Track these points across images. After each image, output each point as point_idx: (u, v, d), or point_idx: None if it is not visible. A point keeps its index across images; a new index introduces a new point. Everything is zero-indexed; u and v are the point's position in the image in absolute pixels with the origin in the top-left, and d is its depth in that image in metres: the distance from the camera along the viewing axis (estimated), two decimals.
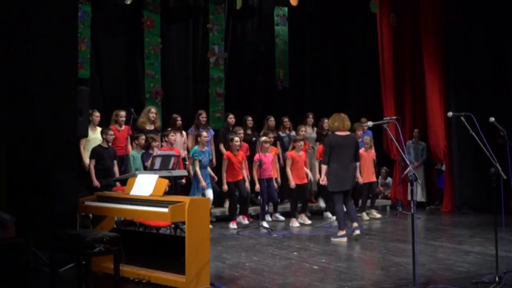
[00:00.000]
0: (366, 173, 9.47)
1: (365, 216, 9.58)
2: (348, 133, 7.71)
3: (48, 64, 5.81)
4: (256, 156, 8.84)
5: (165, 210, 4.85)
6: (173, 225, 6.90)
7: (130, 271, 5.21)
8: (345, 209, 7.68)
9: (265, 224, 8.46)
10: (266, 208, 9.02)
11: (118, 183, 7.27)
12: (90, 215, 6.11)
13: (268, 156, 8.97)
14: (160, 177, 5.50)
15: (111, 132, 8.07)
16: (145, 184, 5.41)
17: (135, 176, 5.77)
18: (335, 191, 7.61)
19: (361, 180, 8.99)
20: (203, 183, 8.38)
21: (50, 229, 5.13)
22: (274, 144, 9.53)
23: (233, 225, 8.56)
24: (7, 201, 5.37)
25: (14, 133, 5.62)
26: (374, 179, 9.75)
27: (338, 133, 7.64)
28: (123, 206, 5.31)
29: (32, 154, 5.72)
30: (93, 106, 8.58)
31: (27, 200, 5.55)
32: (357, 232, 7.50)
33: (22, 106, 5.71)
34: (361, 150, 9.38)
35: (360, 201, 9.66)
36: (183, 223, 5.24)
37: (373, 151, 9.81)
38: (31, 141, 5.72)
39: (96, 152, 7.94)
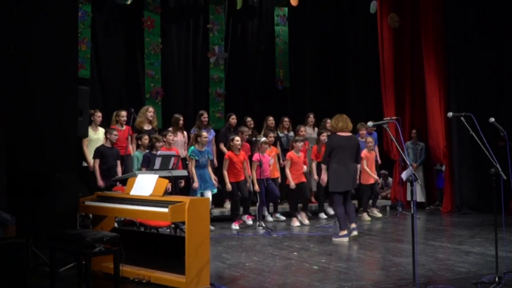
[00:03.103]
0: (368, 174, 9.52)
1: (366, 216, 9.56)
2: (350, 134, 7.73)
3: (48, 64, 5.81)
4: (255, 156, 8.85)
5: (165, 210, 4.84)
6: (173, 225, 6.91)
7: (130, 271, 5.21)
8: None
9: (263, 224, 8.47)
10: (265, 208, 9.02)
11: (118, 183, 7.26)
12: (90, 215, 6.11)
13: (266, 157, 8.97)
14: (160, 177, 5.50)
15: (115, 133, 8.07)
16: (145, 184, 5.40)
17: (135, 176, 5.77)
18: (336, 192, 7.57)
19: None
20: (195, 184, 8.36)
21: (50, 229, 5.13)
22: (274, 144, 9.52)
23: (235, 226, 8.52)
24: (7, 201, 5.36)
25: (14, 133, 5.62)
26: (376, 179, 9.75)
27: (340, 134, 7.64)
28: (123, 206, 5.30)
29: (32, 154, 5.72)
30: (93, 106, 8.58)
31: (27, 200, 5.55)
32: (355, 233, 7.50)
33: (22, 106, 5.71)
34: (364, 151, 9.44)
35: (362, 202, 9.68)
36: (183, 223, 5.24)
37: (374, 151, 9.89)
38: (31, 141, 5.72)
39: (100, 152, 7.94)
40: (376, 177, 9.74)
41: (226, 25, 11.02)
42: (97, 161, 7.91)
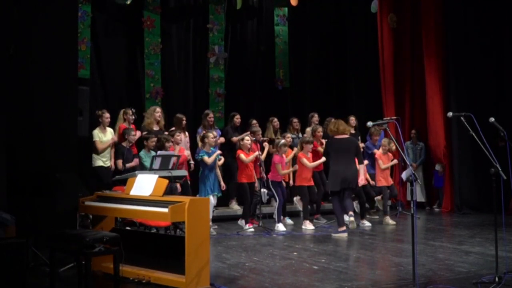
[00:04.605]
0: (384, 177, 9.38)
1: (389, 220, 9.07)
2: (348, 136, 7.86)
3: (48, 64, 5.81)
4: (274, 158, 8.72)
5: (165, 210, 4.84)
6: (172, 226, 6.90)
7: (130, 271, 5.21)
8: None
9: (281, 227, 8.37)
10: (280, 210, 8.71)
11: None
12: (90, 215, 6.11)
13: (283, 159, 8.81)
14: (160, 177, 5.49)
15: (133, 133, 8.21)
16: (145, 184, 5.40)
17: (135, 176, 5.77)
18: (333, 190, 7.91)
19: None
20: (214, 156, 8.19)
21: (50, 229, 5.13)
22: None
23: (249, 227, 8.32)
24: (7, 201, 5.37)
25: (14, 133, 5.62)
26: (391, 182, 9.56)
27: (338, 137, 7.79)
28: (123, 206, 5.30)
29: (32, 154, 5.72)
30: (93, 106, 8.56)
31: (27, 200, 5.56)
32: (352, 219, 7.73)
33: (22, 106, 5.72)
34: (379, 153, 9.41)
35: (383, 204, 9.50)
36: (183, 223, 5.24)
37: (390, 154, 9.61)
38: (31, 141, 5.72)
39: (121, 152, 8.13)
40: (390, 181, 9.54)
41: (226, 25, 11.01)
42: (120, 161, 8.13)
